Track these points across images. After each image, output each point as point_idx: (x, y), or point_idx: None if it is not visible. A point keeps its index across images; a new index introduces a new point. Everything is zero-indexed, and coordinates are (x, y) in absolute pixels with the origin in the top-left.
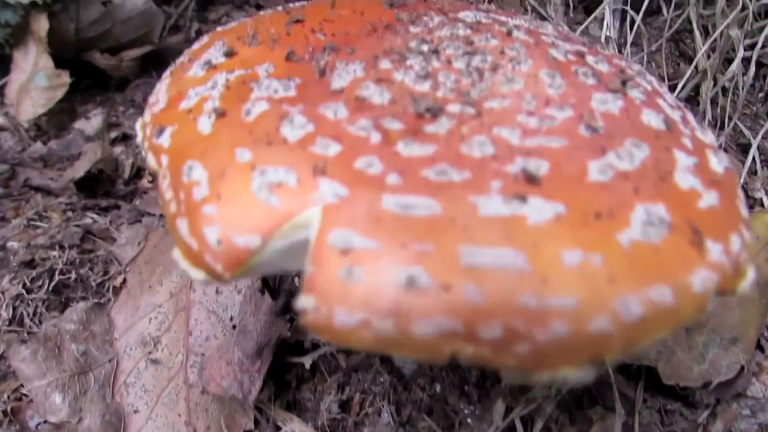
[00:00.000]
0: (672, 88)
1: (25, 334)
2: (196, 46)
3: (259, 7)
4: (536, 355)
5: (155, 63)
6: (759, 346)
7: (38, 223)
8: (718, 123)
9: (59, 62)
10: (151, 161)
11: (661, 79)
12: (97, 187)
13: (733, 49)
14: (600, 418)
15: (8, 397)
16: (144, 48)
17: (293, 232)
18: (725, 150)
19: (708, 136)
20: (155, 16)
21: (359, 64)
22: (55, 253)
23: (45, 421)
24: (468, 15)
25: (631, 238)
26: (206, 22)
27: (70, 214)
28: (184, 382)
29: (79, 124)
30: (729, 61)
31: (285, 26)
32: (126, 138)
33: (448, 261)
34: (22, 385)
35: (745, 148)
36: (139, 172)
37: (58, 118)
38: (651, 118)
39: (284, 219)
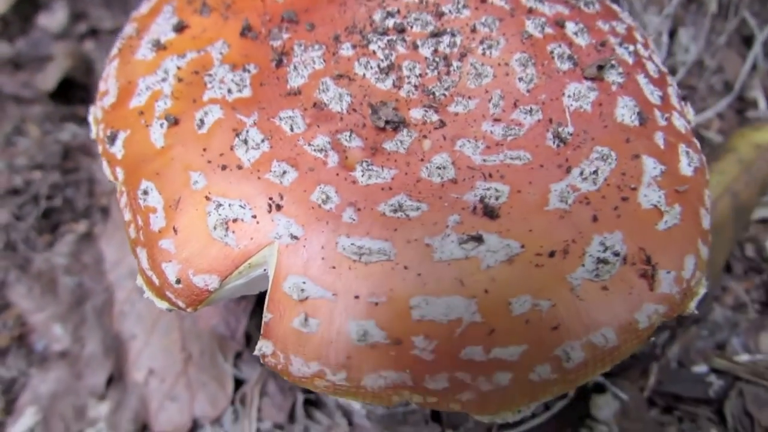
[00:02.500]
0: None
1: (20, 261)
2: (143, 8)
3: None
4: (479, 401)
5: None
6: (727, 268)
7: (17, 138)
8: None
9: None
10: (106, 171)
11: None
12: (72, 94)
13: None
14: None
15: (13, 323)
16: None
17: (250, 271)
18: (728, 44)
19: (688, 114)
20: None
21: (318, 50)
22: (38, 175)
23: None
24: None
25: (582, 278)
26: None
27: (48, 126)
28: (176, 312)
29: (44, 19)
30: None
31: None
32: (95, 32)
33: (400, 314)
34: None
35: (748, 40)
36: None
37: (21, 8)
38: (625, 113)
39: (241, 260)
